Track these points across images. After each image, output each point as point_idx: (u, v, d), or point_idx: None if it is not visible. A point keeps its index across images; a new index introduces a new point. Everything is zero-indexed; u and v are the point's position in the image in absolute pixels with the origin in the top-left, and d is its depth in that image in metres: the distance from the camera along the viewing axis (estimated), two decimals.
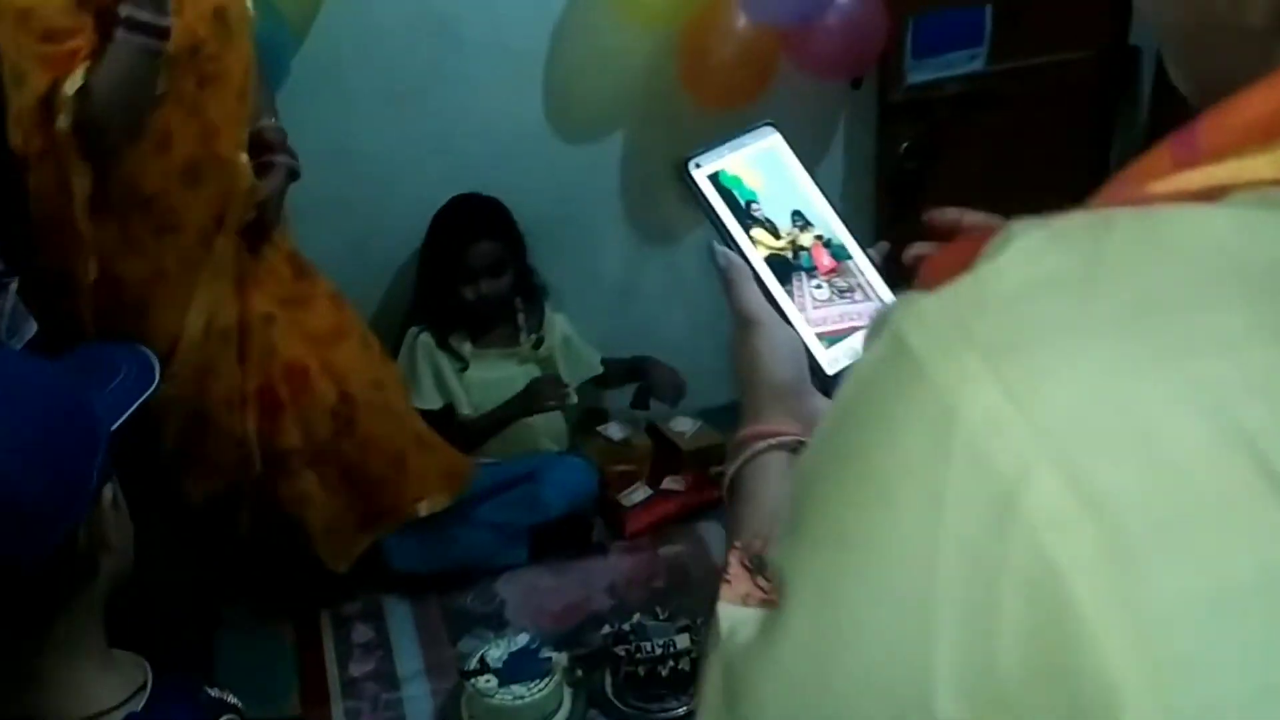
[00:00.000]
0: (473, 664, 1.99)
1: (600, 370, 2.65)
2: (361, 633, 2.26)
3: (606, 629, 2.15)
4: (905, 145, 2.59)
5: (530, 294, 2.56)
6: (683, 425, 2.73)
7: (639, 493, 2.57)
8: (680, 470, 2.60)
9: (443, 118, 2.44)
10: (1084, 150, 2.79)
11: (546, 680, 1.96)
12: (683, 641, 2.03)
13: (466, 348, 2.50)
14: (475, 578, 2.37)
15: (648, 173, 2.64)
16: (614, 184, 2.63)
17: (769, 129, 0.80)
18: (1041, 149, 2.74)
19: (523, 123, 2.50)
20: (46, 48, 1.63)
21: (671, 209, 2.70)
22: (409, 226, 2.45)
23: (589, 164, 2.59)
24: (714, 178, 0.77)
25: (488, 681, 1.95)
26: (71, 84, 1.63)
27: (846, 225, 0.80)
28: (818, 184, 0.81)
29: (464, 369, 2.49)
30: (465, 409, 2.48)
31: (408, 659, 2.18)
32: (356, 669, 2.17)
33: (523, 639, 2.04)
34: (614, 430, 2.73)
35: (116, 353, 1.10)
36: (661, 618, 2.14)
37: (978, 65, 2.56)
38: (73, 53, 1.64)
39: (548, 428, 2.58)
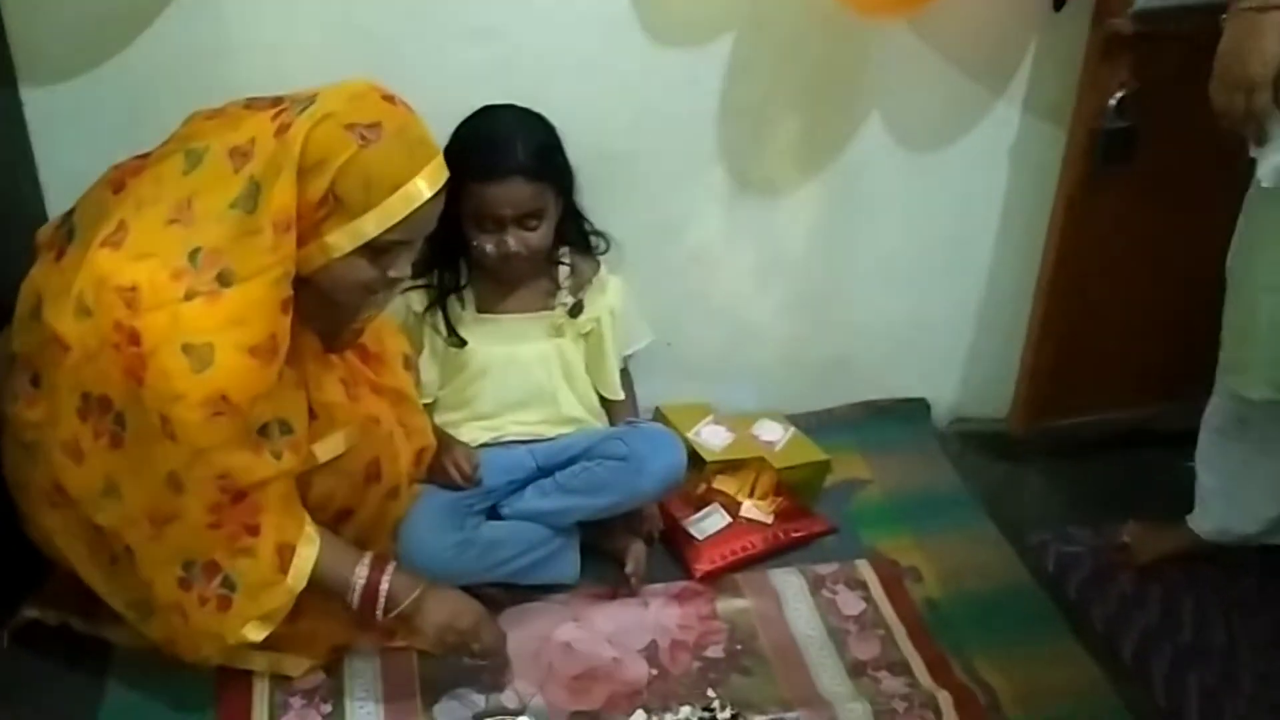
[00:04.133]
0: None
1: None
2: (308, 678, 1.69)
3: (640, 717, 1.64)
4: (1119, 95, 1.92)
5: (581, 246, 1.93)
6: (770, 432, 2.09)
7: (713, 519, 1.95)
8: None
9: None
10: None
11: None
12: None
13: (469, 314, 1.90)
14: None
15: (758, 98, 1.99)
16: (712, 109, 1.98)
17: None
18: None
19: (602, 11, 1.87)
20: None
21: (783, 154, 2.06)
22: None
23: (683, 77, 1.94)
24: None
25: None
26: None
27: None
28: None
29: (460, 345, 1.89)
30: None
31: None
32: None
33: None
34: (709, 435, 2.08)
35: None
36: (719, 712, 1.63)
37: None
38: None
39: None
